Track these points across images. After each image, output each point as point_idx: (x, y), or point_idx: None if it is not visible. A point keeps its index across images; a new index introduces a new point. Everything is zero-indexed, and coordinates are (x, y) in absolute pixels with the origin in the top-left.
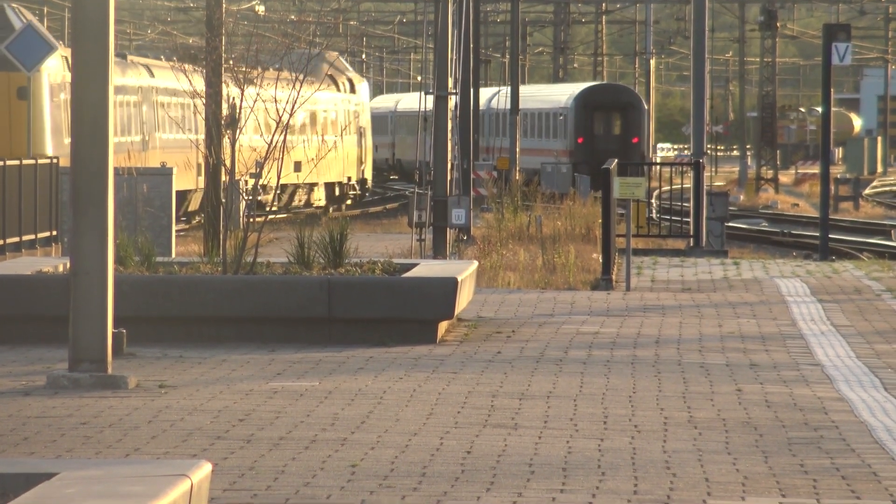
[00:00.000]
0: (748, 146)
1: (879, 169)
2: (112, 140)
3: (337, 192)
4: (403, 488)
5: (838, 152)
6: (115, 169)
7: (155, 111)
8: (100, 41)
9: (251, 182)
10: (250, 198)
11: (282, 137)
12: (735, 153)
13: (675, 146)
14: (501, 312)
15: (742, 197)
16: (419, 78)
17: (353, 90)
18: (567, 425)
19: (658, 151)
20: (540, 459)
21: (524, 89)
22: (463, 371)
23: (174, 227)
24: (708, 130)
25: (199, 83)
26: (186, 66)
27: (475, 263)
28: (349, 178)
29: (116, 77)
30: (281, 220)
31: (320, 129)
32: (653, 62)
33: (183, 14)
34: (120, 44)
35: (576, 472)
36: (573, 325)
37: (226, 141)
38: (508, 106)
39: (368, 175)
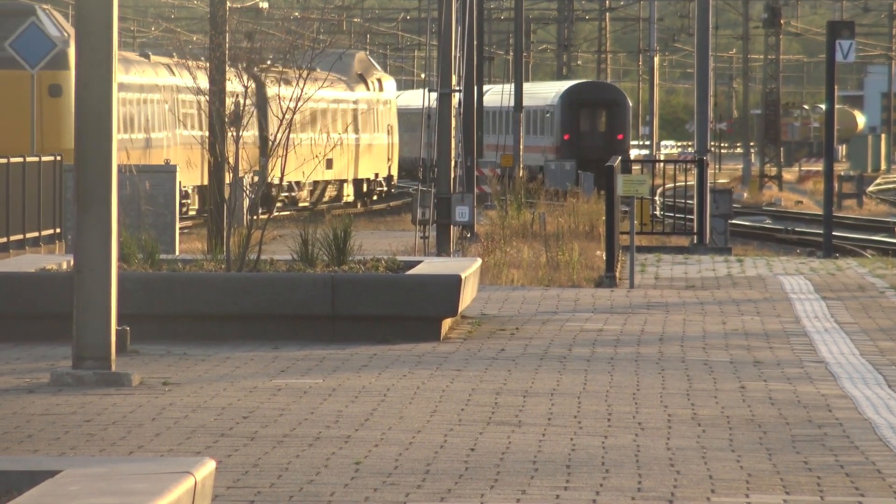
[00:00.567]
0: (752, 143)
1: (883, 166)
2: (115, 137)
3: (365, 189)
4: (407, 485)
5: (842, 149)
6: (119, 167)
7: (177, 109)
8: (104, 38)
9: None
10: (286, 194)
11: (316, 135)
12: (739, 150)
13: (679, 143)
14: (505, 310)
15: (746, 194)
16: (423, 75)
17: (381, 88)
18: (571, 422)
19: (661, 149)
20: (544, 456)
21: (500, 88)
22: (467, 368)
23: (178, 225)
24: (712, 128)
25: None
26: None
27: (479, 261)
28: (377, 175)
29: (138, 76)
30: (285, 218)
31: (351, 126)
32: (656, 59)
33: (187, 11)
34: (123, 41)
35: (580, 470)
36: (577, 322)
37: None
38: (502, 104)
39: (395, 171)
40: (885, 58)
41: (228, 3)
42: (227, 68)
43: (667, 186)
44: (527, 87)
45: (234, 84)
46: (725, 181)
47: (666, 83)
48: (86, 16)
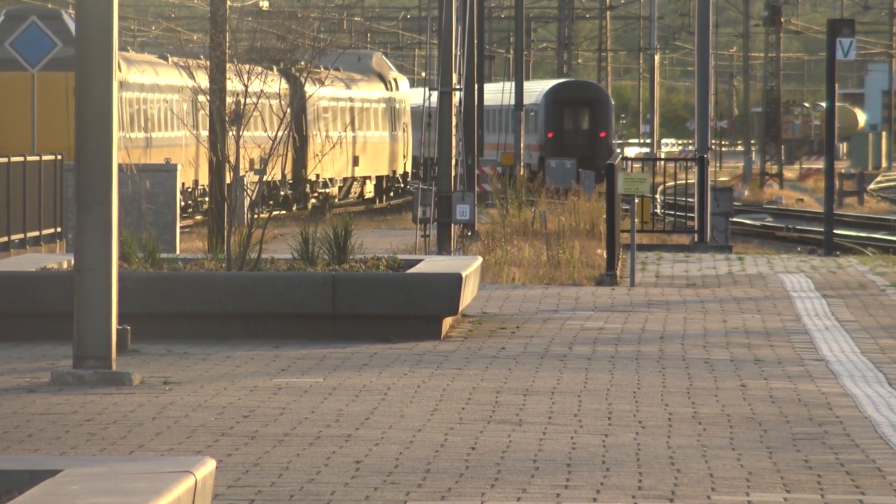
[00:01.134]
0: (752, 141)
1: (884, 164)
2: (116, 136)
3: (384, 185)
4: (408, 484)
5: (843, 147)
6: (119, 165)
7: (194, 108)
8: (104, 37)
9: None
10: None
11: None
12: (739, 148)
13: (680, 142)
14: (506, 308)
15: (746, 192)
16: (423, 74)
17: (397, 87)
18: (571, 421)
19: (662, 147)
20: (544, 455)
21: (499, 86)
22: (467, 367)
23: (178, 224)
24: (712, 126)
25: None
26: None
27: (479, 259)
28: (394, 172)
29: (154, 77)
30: (285, 217)
31: (374, 124)
32: (657, 57)
33: (187, 10)
34: (124, 40)
35: (580, 468)
36: (577, 320)
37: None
38: (502, 102)
39: (409, 168)
40: (885, 55)
41: (228, 3)
42: (253, 67)
43: (667, 184)
44: (497, 86)
45: (256, 83)
46: (726, 179)
47: (667, 81)
48: (86, 15)
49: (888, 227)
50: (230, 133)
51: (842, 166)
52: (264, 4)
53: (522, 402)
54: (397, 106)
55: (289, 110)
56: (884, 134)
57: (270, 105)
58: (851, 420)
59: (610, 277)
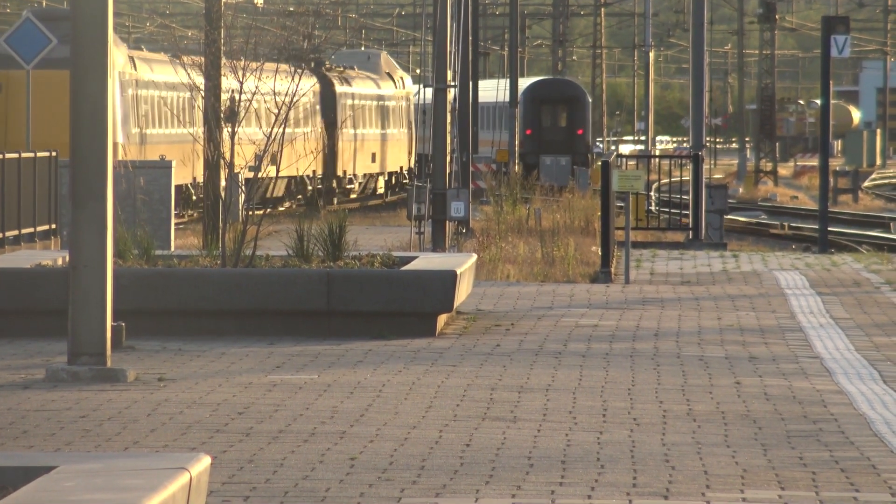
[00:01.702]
0: (747, 139)
1: (878, 161)
2: (111, 132)
3: (393, 181)
4: (402, 481)
5: (837, 145)
6: (114, 163)
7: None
8: (98, 33)
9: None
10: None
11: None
12: (734, 146)
13: (674, 139)
14: (500, 305)
15: (741, 189)
16: (418, 70)
17: (404, 85)
18: (566, 418)
19: (657, 144)
20: (539, 452)
21: (493, 83)
22: (462, 364)
23: (173, 221)
24: (707, 123)
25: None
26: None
27: (474, 256)
28: (401, 168)
29: (163, 75)
30: (280, 214)
31: (386, 122)
32: (652, 55)
33: (182, 7)
34: (118, 36)
35: (575, 465)
36: (572, 317)
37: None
38: (497, 99)
39: (413, 164)
40: (880, 53)
41: None
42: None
43: (662, 182)
44: (494, 83)
45: (282, 81)
46: (721, 177)
47: (661, 78)
48: (80, 11)
49: (883, 225)
50: (225, 129)
51: (836, 164)
52: (259, 0)
53: (517, 399)
54: (404, 103)
55: (318, 107)
56: (878, 131)
57: (297, 104)
58: (846, 417)
59: (605, 275)
